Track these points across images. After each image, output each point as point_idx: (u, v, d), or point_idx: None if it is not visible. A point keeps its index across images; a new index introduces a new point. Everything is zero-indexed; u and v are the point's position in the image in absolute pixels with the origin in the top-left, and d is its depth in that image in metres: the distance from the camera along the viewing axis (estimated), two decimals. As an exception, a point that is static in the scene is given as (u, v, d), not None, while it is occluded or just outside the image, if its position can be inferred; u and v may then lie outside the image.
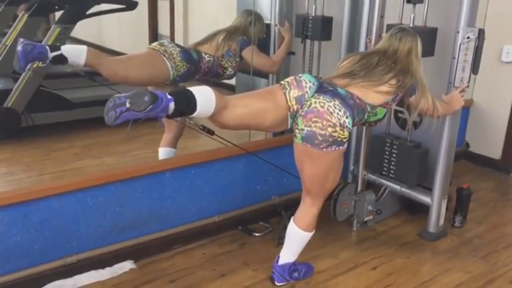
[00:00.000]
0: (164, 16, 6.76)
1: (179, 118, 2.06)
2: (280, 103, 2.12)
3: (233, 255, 2.64)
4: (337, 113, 2.06)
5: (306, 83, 2.14)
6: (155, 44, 2.92)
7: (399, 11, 2.75)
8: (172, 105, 1.86)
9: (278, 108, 2.12)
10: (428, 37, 2.59)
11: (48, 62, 2.59)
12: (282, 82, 2.18)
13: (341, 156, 2.19)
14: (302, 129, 2.09)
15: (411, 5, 2.67)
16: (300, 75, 2.19)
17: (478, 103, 3.91)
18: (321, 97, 2.09)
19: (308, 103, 2.10)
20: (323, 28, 3.22)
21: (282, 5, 3.46)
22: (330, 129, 2.05)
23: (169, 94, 1.87)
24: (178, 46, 2.96)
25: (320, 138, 2.05)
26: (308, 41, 3.37)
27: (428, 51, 2.58)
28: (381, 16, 2.75)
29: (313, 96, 2.11)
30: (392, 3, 2.75)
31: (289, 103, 2.12)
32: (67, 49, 2.61)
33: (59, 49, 2.58)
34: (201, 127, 2.09)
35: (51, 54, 2.57)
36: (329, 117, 2.05)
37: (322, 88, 2.16)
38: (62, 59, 2.60)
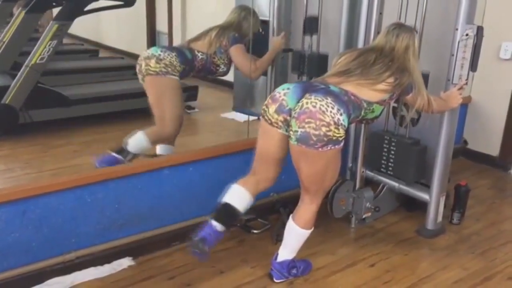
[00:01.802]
0: (162, 12, 6.75)
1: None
2: (269, 131, 2.23)
3: (231, 252, 2.64)
4: (330, 111, 2.04)
5: (279, 93, 2.18)
6: (153, 64, 2.87)
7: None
8: (217, 226, 2.27)
9: (272, 137, 2.24)
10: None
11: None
12: (262, 108, 2.25)
13: (338, 154, 2.18)
14: (296, 131, 2.08)
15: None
16: (274, 90, 2.24)
17: (476, 100, 3.91)
18: (313, 97, 2.07)
19: (300, 104, 2.08)
20: (319, 65, 3.20)
21: (281, 2, 3.44)
22: (324, 129, 2.03)
23: (211, 218, 2.28)
24: (172, 49, 2.96)
25: (314, 139, 2.05)
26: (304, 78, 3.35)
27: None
28: (380, 13, 2.75)
29: (303, 96, 2.10)
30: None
31: (273, 120, 2.17)
32: (133, 147, 2.98)
33: (128, 152, 2.98)
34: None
35: (127, 159, 2.95)
36: (322, 116, 2.03)
37: (313, 87, 2.15)
38: (134, 156, 3.00)
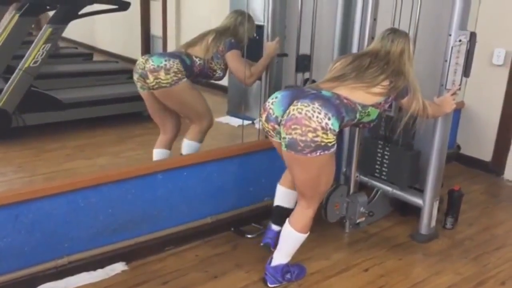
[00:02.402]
0: (156, 16, 6.76)
1: None
2: (272, 140, 2.28)
3: (225, 256, 2.64)
4: (317, 117, 2.04)
5: (268, 102, 2.22)
6: (163, 76, 2.85)
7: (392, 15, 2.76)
8: (277, 228, 2.53)
9: (276, 145, 2.29)
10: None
11: None
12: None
13: (331, 160, 2.17)
14: (285, 138, 2.10)
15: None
16: None
17: (469, 105, 3.94)
18: (299, 104, 2.08)
19: (288, 111, 2.10)
20: None
21: (276, 7, 3.45)
22: (310, 135, 2.03)
23: (270, 222, 2.61)
24: (174, 56, 2.94)
25: (302, 144, 2.05)
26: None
27: None
28: (374, 19, 2.76)
29: (291, 104, 2.11)
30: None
31: (266, 129, 2.24)
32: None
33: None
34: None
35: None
36: (308, 122, 2.03)
37: (303, 93, 2.16)
38: None
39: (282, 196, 2.57)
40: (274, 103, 2.18)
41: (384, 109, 2.39)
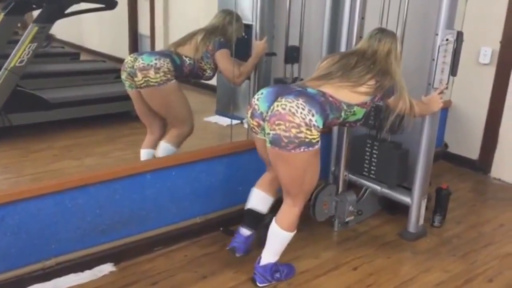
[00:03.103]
0: (144, 15, 6.72)
1: None
2: (255, 136, 2.29)
3: (214, 256, 2.63)
4: (301, 113, 2.05)
5: (254, 98, 2.24)
6: (152, 75, 2.83)
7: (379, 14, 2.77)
8: (247, 232, 2.50)
9: (258, 141, 2.31)
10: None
11: None
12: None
13: (315, 157, 2.17)
14: (269, 133, 2.11)
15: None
16: None
17: (457, 104, 3.96)
18: (283, 100, 2.09)
19: (272, 107, 2.11)
20: None
21: (264, 6, 3.45)
22: (294, 130, 2.04)
23: (241, 226, 2.51)
24: (165, 56, 2.92)
25: (286, 140, 2.05)
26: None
27: None
28: (362, 18, 2.77)
29: (276, 100, 2.12)
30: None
31: (251, 125, 2.24)
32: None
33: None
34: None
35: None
36: (291, 118, 2.04)
37: (287, 90, 2.18)
38: None
39: (257, 200, 2.52)
40: (260, 99, 2.18)
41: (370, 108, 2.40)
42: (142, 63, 2.85)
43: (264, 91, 2.22)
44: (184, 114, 3.06)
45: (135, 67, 2.86)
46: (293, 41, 3.27)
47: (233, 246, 2.48)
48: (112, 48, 7.33)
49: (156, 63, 2.84)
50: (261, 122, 2.17)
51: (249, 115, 2.23)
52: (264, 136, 2.17)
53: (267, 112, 2.13)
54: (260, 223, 2.51)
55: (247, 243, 2.50)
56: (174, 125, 3.08)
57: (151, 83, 2.85)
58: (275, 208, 2.41)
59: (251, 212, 2.50)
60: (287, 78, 3.34)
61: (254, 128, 2.23)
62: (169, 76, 2.88)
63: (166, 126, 3.20)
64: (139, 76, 2.84)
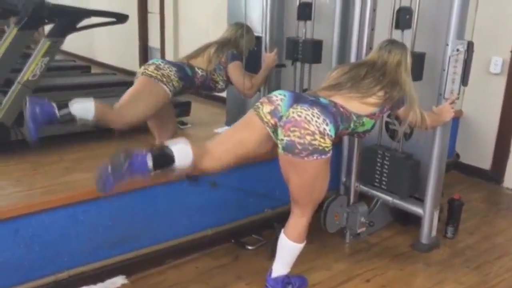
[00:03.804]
0: (154, 28, 6.78)
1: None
2: (256, 124, 2.20)
3: (226, 268, 2.62)
4: (316, 121, 2.06)
5: (276, 97, 2.20)
6: (152, 68, 2.85)
7: (388, 35, 2.76)
8: (149, 160, 1.99)
9: (256, 130, 2.20)
10: (417, 62, 2.60)
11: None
12: (255, 104, 2.25)
13: (326, 165, 2.17)
14: (282, 139, 2.10)
15: (399, 30, 2.70)
16: (270, 93, 2.26)
17: (468, 114, 3.94)
18: (299, 107, 2.10)
19: (287, 113, 2.11)
20: (313, 51, 3.22)
21: (273, 18, 3.47)
22: (308, 138, 2.05)
23: (146, 150, 2.00)
24: (174, 64, 2.94)
25: (299, 147, 2.05)
26: (298, 64, 3.37)
27: (417, 75, 2.58)
28: (372, 29, 2.77)
29: (292, 106, 2.12)
30: (380, 29, 2.77)
31: (265, 119, 2.17)
32: (75, 108, 2.66)
33: (66, 106, 2.63)
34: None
35: (59, 113, 2.63)
36: (307, 125, 2.05)
37: (302, 98, 2.18)
38: (71, 118, 2.66)
39: (182, 153, 2.08)
40: (283, 100, 2.17)
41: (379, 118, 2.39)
42: (149, 62, 2.95)
43: (286, 93, 2.21)
44: (136, 111, 2.80)
45: (143, 65, 2.94)
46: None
47: (132, 154, 1.98)
48: (122, 61, 7.40)
49: (160, 64, 2.90)
50: (278, 124, 2.15)
51: (267, 110, 2.17)
52: (272, 133, 2.16)
53: (282, 117, 2.13)
54: (162, 167, 2.06)
55: (140, 173, 2.00)
56: (118, 105, 2.84)
57: (146, 73, 2.84)
58: (283, 219, 2.40)
59: (170, 154, 2.05)
60: (299, 37, 3.31)
61: (268, 123, 2.17)
62: (164, 80, 2.84)
63: (174, 131, 3.20)
64: (141, 69, 2.90)
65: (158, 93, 2.84)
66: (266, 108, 2.18)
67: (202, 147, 2.19)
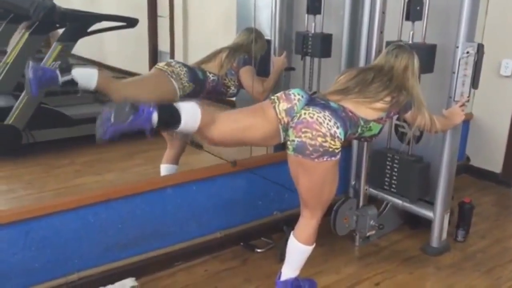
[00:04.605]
0: (164, 32, 6.81)
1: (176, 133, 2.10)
2: (270, 116, 2.16)
3: (235, 271, 2.62)
4: (327, 124, 2.06)
5: (295, 96, 2.18)
6: (162, 64, 2.92)
7: (398, 28, 2.76)
8: (155, 116, 1.90)
9: (268, 122, 2.16)
10: (427, 54, 2.60)
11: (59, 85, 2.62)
12: (271, 97, 2.23)
13: (335, 167, 2.17)
14: (293, 140, 2.10)
15: (410, 22, 2.69)
16: (289, 90, 2.22)
17: (478, 117, 3.92)
18: (311, 109, 2.10)
19: (298, 114, 2.11)
20: (322, 45, 3.22)
21: (282, 21, 3.48)
22: (320, 139, 2.05)
23: (153, 106, 1.91)
24: (185, 65, 2.97)
25: (310, 149, 2.06)
26: (308, 58, 3.37)
27: (427, 67, 2.58)
28: (381, 32, 2.77)
29: (303, 108, 2.13)
30: (391, 20, 2.77)
31: (279, 116, 2.15)
32: (78, 73, 2.62)
33: (69, 73, 2.60)
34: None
35: (62, 79, 2.60)
36: (319, 127, 2.05)
37: (314, 101, 2.18)
38: (72, 83, 2.62)
39: (191, 109, 2.02)
40: (300, 100, 2.16)
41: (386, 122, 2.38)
42: (161, 62, 3.00)
43: (303, 94, 2.19)
44: (137, 89, 2.78)
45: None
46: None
47: (138, 107, 1.89)
48: (132, 65, 7.43)
49: (171, 62, 2.95)
50: (290, 123, 2.13)
51: (284, 107, 2.14)
52: (282, 130, 2.15)
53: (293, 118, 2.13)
54: (166, 125, 2.02)
55: (143, 124, 1.90)
56: (124, 81, 2.90)
57: (157, 67, 2.92)
58: (293, 222, 2.39)
59: (176, 111, 1.97)
60: (308, 31, 3.30)
61: (281, 120, 2.14)
62: (174, 76, 2.85)
63: (185, 142, 3.22)
64: (155, 66, 2.96)
65: (166, 87, 2.83)
66: (283, 105, 2.15)
67: (212, 115, 2.08)
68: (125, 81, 2.89)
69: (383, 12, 2.74)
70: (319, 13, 3.21)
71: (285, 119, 2.15)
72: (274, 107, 2.16)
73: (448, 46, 2.63)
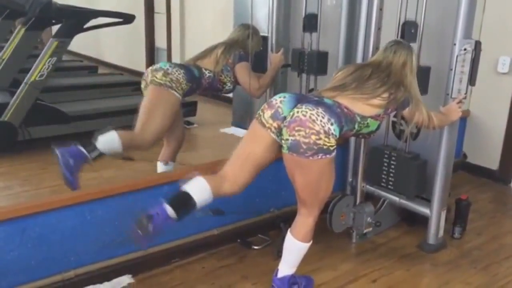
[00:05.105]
0: (160, 29, 6.80)
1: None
2: (260, 134, 2.21)
3: (232, 268, 2.62)
4: (320, 121, 2.05)
5: (276, 100, 2.19)
6: (160, 75, 2.84)
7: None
8: (169, 210, 2.08)
9: (261, 140, 2.21)
10: (422, 76, 2.58)
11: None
12: (257, 113, 2.25)
13: (331, 165, 2.16)
14: (287, 139, 2.09)
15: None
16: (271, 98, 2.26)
17: (475, 114, 3.93)
18: (304, 106, 2.09)
19: (291, 113, 2.10)
20: (318, 62, 3.20)
21: (279, 18, 3.47)
22: (313, 137, 2.04)
23: (165, 200, 2.09)
24: (181, 67, 2.95)
25: (304, 147, 2.05)
26: (304, 75, 3.34)
27: (422, 89, 2.51)
28: (378, 29, 2.77)
29: (296, 106, 2.12)
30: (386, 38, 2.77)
31: (267, 125, 2.18)
32: (102, 145, 2.71)
33: (95, 148, 2.70)
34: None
35: (91, 156, 2.68)
36: (312, 124, 2.04)
37: (306, 98, 2.18)
38: (101, 155, 2.75)
39: (200, 191, 2.16)
40: (283, 102, 2.17)
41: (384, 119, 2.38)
42: (156, 67, 2.92)
43: (286, 95, 2.21)
44: (156, 126, 2.85)
45: (150, 70, 2.93)
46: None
47: (151, 215, 2.06)
48: (129, 61, 7.43)
49: (168, 69, 2.88)
50: (281, 126, 2.14)
51: (268, 115, 2.17)
52: (277, 137, 2.16)
53: (286, 118, 2.13)
54: (185, 213, 2.13)
55: (164, 224, 2.08)
56: (137, 128, 2.85)
57: (155, 82, 2.85)
58: (290, 219, 2.40)
59: (188, 196, 2.13)
60: (304, 48, 3.31)
61: (271, 128, 2.18)
62: (174, 85, 2.85)
63: (182, 138, 3.21)
64: (149, 75, 2.88)
65: (170, 100, 2.88)
66: (267, 114, 2.18)
67: (217, 176, 2.25)
68: (139, 124, 2.85)
69: (380, 9, 2.73)
70: (315, 30, 3.22)
71: (274, 124, 2.16)
72: (260, 121, 2.19)
73: (446, 44, 2.63)
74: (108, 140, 2.74)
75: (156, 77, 2.85)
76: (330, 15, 3.30)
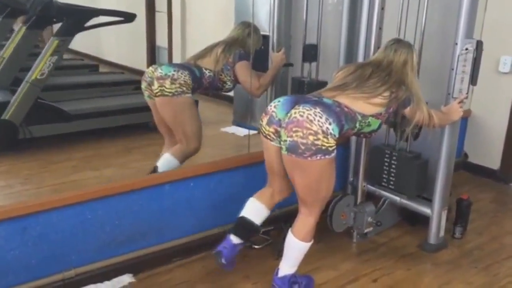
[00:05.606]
0: (161, 27, 6.79)
1: None
2: (266, 145, 2.28)
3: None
4: (318, 121, 2.04)
5: (270, 106, 2.21)
6: (168, 84, 2.82)
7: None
8: (234, 239, 2.40)
9: (269, 150, 2.27)
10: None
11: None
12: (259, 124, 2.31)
13: (331, 165, 2.16)
14: (285, 140, 2.09)
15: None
16: None
17: (476, 113, 3.92)
18: (301, 107, 2.09)
19: (289, 114, 2.10)
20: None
21: (281, 17, 3.47)
22: (311, 137, 2.04)
23: (229, 231, 2.41)
24: (184, 67, 2.93)
25: (302, 147, 2.05)
26: None
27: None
28: (380, 28, 2.76)
29: (293, 108, 2.12)
30: None
31: (266, 132, 2.22)
32: (163, 169, 2.94)
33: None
34: None
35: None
36: (309, 125, 2.04)
37: (304, 99, 2.18)
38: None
39: (253, 210, 2.44)
40: (277, 106, 2.18)
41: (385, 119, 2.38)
42: (160, 73, 2.86)
43: (281, 99, 2.21)
44: (191, 131, 2.98)
45: (153, 76, 2.89)
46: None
47: (220, 250, 2.38)
48: (130, 60, 7.41)
49: (173, 74, 2.85)
50: (278, 129, 2.16)
51: (264, 122, 2.20)
52: (279, 143, 2.16)
53: (283, 119, 2.13)
54: (250, 234, 2.47)
55: (234, 251, 2.41)
56: (180, 141, 3.01)
57: (166, 93, 2.85)
58: (291, 219, 2.39)
59: (244, 220, 2.42)
60: (304, 77, 3.31)
61: (269, 135, 2.20)
62: (184, 88, 2.87)
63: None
64: (156, 85, 2.86)
65: (188, 104, 2.95)
66: (264, 121, 2.21)
67: (266, 190, 2.45)
68: (178, 137, 2.99)
69: (382, 8, 2.73)
70: (315, 60, 3.23)
71: (271, 129, 2.18)
72: (262, 131, 2.24)
73: (448, 42, 2.62)
74: (166, 163, 2.98)
75: (165, 87, 2.84)
76: (330, 45, 3.32)
